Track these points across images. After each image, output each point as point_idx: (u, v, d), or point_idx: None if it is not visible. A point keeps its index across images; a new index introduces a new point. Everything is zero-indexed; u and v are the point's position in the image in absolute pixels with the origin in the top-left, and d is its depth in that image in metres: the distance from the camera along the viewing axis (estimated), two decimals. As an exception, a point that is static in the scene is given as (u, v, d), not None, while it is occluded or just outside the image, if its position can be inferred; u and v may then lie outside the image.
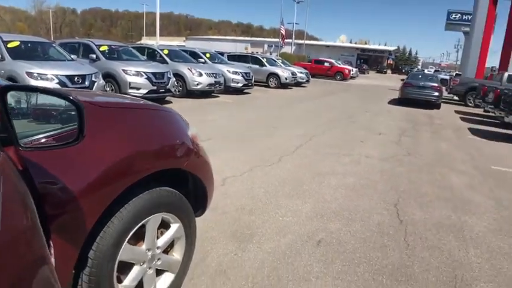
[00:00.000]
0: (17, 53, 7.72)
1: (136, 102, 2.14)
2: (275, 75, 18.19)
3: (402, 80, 15.84)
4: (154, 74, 9.57)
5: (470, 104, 15.93)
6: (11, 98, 1.10)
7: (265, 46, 60.80)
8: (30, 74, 7.15)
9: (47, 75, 7.28)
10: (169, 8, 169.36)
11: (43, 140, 1.21)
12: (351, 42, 79.18)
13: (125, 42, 10.82)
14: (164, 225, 1.80)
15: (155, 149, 1.68)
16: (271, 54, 36.29)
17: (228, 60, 16.73)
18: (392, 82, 31.90)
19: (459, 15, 33.83)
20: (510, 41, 20.71)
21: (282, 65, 20.23)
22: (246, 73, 14.47)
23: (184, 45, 30.85)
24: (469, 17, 26.90)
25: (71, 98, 1.09)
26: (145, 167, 1.57)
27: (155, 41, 23.24)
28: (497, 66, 22.49)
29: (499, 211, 3.94)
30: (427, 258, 2.79)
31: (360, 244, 2.90)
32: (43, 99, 1.33)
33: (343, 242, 2.92)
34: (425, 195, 4.24)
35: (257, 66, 18.08)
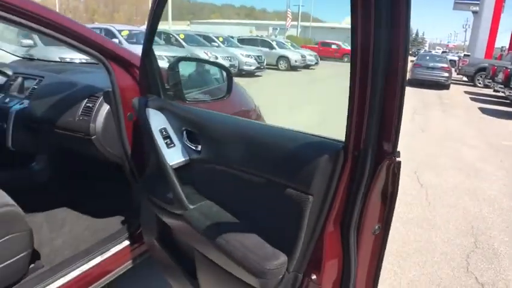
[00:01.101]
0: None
1: None
2: (285, 58, 18.44)
3: (412, 61, 16.06)
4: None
5: (479, 85, 16.15)
6: (180, 66, 1.55)
7: (270, 29, 60.38)
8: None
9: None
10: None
11: (201, 96, 1.65)
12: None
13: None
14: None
15: (246, 109, 2.14)
16: (276, 36, 36.37)
17: (238, 43, 17.02)
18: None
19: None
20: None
21: (291, 47, 20.46)
22: (258, 56, 14.79)
23: (189, 29, 31.04)
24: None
25: (224, 65, 1.52)
26: None
27: (166, 26, 23.48)
28: (507, 46, 22.53)
29: (509, 179, 4.36)
30: (446, 213, 3.25)
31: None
32: (200, 67, 1.77)
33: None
34: (441, 165, 4.66)
35: (267, 49, 18.32)
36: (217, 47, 13.75)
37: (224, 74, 1.57)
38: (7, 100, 2.08)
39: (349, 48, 32.84)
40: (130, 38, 10.87)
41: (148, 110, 1.30)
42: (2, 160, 2.27)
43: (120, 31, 10.48)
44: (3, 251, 1.33)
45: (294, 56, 18.61)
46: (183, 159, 1.21)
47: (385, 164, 0.75)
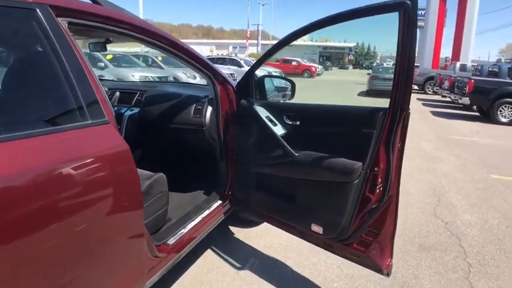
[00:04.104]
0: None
1: None
2: (254, 76, 19.53)
3: (368, 74, 17.80)
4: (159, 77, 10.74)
5: (429, 92, 18.08)
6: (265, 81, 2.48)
7: (230, 48, 62.02)
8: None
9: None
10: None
11: (275, 98, 2.58)
12: (312, 41, 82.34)
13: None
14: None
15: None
16: (236, 55, 37.90)
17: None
18: (356, 77, 34.14)
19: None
20: (460, 34, 23.35)
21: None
22: (231, 74, 15.80)
23: (148, 51, 31.38)
24: (423, 12, 29.50)
25: (288, 78, 2.46)
26: None
27: (126, 48, 23.88)
28: (450, 57, 25.09)
29: (459, 161, 5.57)
30: (416, 184, 4.33)
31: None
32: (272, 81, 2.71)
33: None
34: (408, 154, 5.78)
35: (236, 67, 19.43)
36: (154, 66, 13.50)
37: (289, 84, 2.54)
38: (115, 109, 2.88)
39: (308, 64, 34.19)
40: (113, 61, 11.54)
41: (255, 107, 2.22)
42: None
43: (104, 55, 11.13)
44: (158, 202, 2.08)
45: (262, 73, 19.66)
46: (283, 131, 2.14)
47: (405, 114, 1.73)
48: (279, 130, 2.14)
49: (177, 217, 2.32)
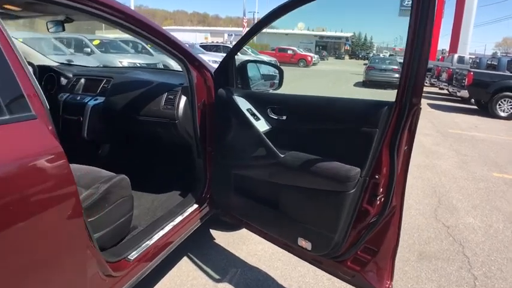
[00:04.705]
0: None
1: None
2: (248, 64, 19.11)
3: (365, 64, 17.47)
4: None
5: (426, 84, 17.64)
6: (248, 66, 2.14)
7: (225, 35, 61.38)
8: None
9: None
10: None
11: (261, 87, 2.24)
12: (308, 30, 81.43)
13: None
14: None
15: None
16: (231, 43, 37.23)
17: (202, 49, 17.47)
18: (352, 67, 33.73)
19: (411, 1, 36.16)
20: (458, 25, 22.96)
21: (252, 53, 21.23)
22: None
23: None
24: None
25: (277, 64, 2.12)
26: None
27: (118, 34, 23.33)
28: (447, 49, 24.78)
29: (458, 157, 5.29)
30: (415, 183, 4.04)
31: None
32: (257, 67, 2.36)
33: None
34: (404, 149, 5.52)
35: (230, 56, 18.93)
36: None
37: (276, 71, 2.19)
38: (79, 98, 2.53)
39: (304, 53, 33.82)
40: (100, 47, 11.08)
41: (235, 97, 1.88)
42: (72, 150, 2.69)
43: (91, 40, 10.66)
44: (118, 210, 1.75)
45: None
46: (268, 127, 1.80)
47: (415, 110, 1.40)
48: (262, 126, 1.80)
49: (145, 225, 2.01)
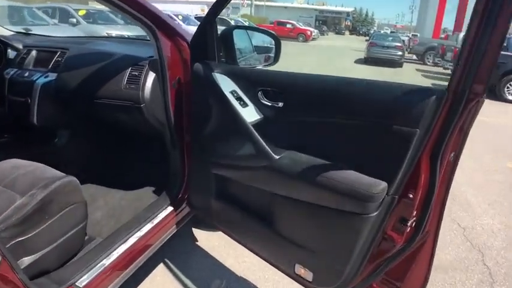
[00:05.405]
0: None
1: None
2: (246, 38, 18.46)
3: (366, 40, 16.81)
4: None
5: (428, 63, 17.18)
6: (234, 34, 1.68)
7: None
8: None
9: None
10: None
11: (252, 62, 1.79)
12: (308, 4, 79.36)
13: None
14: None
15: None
16: (228, 16, 36.02)
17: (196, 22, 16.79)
18: (353, 43, 32.95)
19: None
20: (464, 3, 22.13)
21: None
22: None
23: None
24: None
25: (273, 33, 1.67)
26: None
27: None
28: (450, 28, 24.03)
29: (469, 144, 4.86)
30: (423, 174, 3.66)
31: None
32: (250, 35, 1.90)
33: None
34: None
35: (226, 29, 18.22)
36: (178, 25, 13.33)
37: (272, 41, 1.73)
38: (27, 74, 2.05)
39: (303, 27, 32.88)
40: (87, 17, 10.37)
41: (215, 74, 1.43)
42: (22, 138, 2.24)
43: (76, 10, 9.97)
44: (64, 222, 1.36)
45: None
46: (259, 117, 1.36)
47: (476, 102, 0.98)
48: (250, 115, 1.36)
49: (106, 234, 1.61)
